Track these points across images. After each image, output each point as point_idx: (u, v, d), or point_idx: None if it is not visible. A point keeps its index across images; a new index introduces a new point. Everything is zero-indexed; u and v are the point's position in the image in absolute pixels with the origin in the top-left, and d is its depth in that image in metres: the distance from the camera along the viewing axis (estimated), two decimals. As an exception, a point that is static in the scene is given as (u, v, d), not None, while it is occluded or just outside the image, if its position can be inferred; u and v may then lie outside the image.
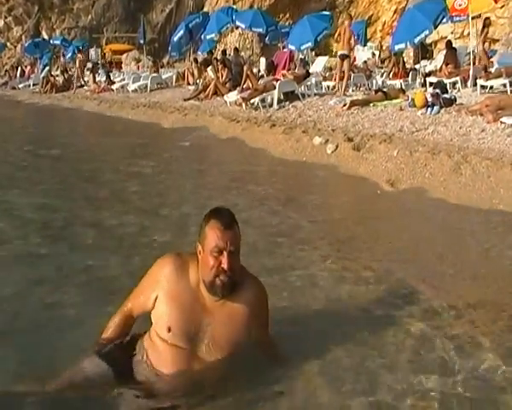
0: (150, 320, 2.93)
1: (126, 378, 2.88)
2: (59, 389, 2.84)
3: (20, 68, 34.71)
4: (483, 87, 12.03)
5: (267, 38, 23.68)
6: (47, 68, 31.01)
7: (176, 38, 24.61)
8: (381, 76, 16.85)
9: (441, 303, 3.95)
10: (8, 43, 42.45)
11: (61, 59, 33.73)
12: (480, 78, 12.29)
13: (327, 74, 17.24)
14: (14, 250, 5.34)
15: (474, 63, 13.36)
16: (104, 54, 35.35)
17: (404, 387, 2.98)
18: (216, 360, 2.85)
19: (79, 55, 28.30)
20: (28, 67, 34.45)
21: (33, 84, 29.82)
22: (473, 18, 14.26)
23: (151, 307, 2.90)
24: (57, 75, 29.57)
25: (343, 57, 14.28)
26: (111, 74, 26.19)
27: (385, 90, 13.20)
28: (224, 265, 2.73)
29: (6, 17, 42.52)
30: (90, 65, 29.14)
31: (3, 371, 3.18)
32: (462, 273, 4.66)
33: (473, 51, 13.95)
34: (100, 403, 2.83)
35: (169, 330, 2.80)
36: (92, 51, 34.74)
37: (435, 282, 4.45)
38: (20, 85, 31.27)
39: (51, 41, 36.52)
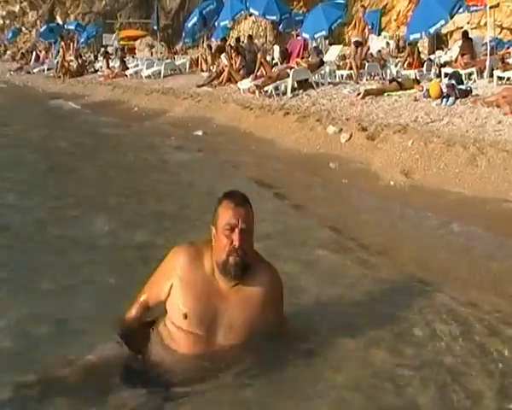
0: (164, 309, 2.96)
1: (142, 364, 2.90)
2: (75, 373, 2.86)
3: (34, 53, 34.81)
4: (500, 78, 11.91)
5: (281, 26, 23.54)
6: (60, 53, 31.05)
7: (190, 25, 24.55)
8: (396, 66, 16.71)
9: (459, 301, 3.92)
10: (24, 28, 42.56)
11: (75, 44, 33.78)
12: (497, 68, 12.16)
13: (341, 63, 17.10)
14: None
15: (490, 54, 13.20)
16: (118, 39, 35.33)
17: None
18: (232, 344, 2.87)
19: (62, 44, 28.41)
20: (43, 52, 34.53)
21: (48, 69, 29.88)
22: (490, 7, 14.07)
23: (166, 296, 2.91)
24: (71, 60, 29.60)
25: (357, 44, 14.26)
26: (125, 60, 26.17)
27: (399, 80, 13.09)
28: (236, 242, 2.75)
29: (21, 2, 42.63)
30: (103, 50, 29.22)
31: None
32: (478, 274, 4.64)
33: (490, 41, 13.78)
34: (115, 388, 2.83)
35: (185, 316, 2.82)
36: (108, 37, 34.73)
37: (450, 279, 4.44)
38: (35, 70, 31.34)
39: (65, 26, 36.56)
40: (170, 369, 2.86)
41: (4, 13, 43.23)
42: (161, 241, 4.98)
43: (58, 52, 31.83)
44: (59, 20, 40.19)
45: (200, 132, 11.66)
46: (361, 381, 2.98)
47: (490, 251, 5.09)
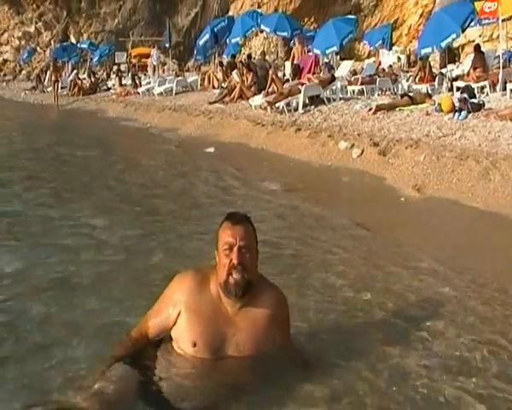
0: (169, 335, 2.92)
1: (151, 387, 2.85)
2: (86, 399, 2.75)
3: (49, 72, 35.22)
4: (513, 91, 11.83)
5: (292, 42, 23.66)
6: (74, 72, 31.43)
7: (201, 42, 24.71)
8: (407, 80, 16.69)
9: (466, 316, 3.88)
10: (38, 48, 43.16)
11: (88, 62, 34.21)
12: (510, 81, 12.09)
13: (352, 79, 17.12)
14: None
15: (503, 67, 13.13)
16: (130, 57, 35.69)
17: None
18: (240, 365, 2.85)
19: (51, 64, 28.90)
20: (51, 70, 34.90)
21: (61, 88, 30.21)
22: (503, 20, 14.02)
23: (172, 324, 2.88)
24: (84, 78, 29.93)
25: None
26: (136, 77, 26.40)
27: (411, 94, 13.06)
28: (234, 260, 2.73)
29: (36, 23, 43.31)
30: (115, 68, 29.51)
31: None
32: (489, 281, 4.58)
33: (502, 54, 13.71)
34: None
35: (194, 345, 2.81)
36: (121, 55, 35.08)
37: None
38: (49, 89, 31.68)
39: (79, 45, 37.02)
40: (178, 391, 2.82)
41: (20, 34, 43.88)
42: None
43: (72, 71, 32.22)
44: (72, 40, 40.74)
45: (212, 149, 11.67)
46: (367, 402, 2.94)
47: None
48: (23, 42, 43.82)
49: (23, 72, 43.63)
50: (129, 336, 3.03)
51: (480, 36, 18.82)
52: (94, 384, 2.77)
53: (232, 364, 2.85)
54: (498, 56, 14.47)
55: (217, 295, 2.85)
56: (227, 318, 2.84)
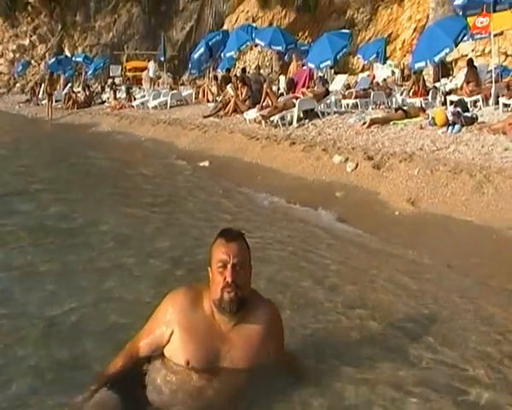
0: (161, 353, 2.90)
1: (142, 404, 2.83)
2: None
3: (43, 85, 35.23)
4: (506, 105, 11.91)
5: (286, 56, 23.78)
6: (69, 85, 31.46)
7: (196, 56, 24.81)
8: (401, 94, 16.79)
9: (456, 335, 3.88)
10: (33, 61, 43.23)
11: (83, 76, 34.26)
12: (503, 96, 12.18)
13: (346, 92, 17.20)
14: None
15: (496, 81, 13.24)
16: (125, 70, 35.78)
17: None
18: (235, 382, 2.84)
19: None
20: (47, 83, 34.90)
21: (56, 101, 30.22)
22: (495, 35, 14.16)
23: (165, 343, 2.86)
24: (79, 92, 29.96)
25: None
26: (131, 91, 26.44)
27: (405, 108, 13.13)
28: (228, 278, 2.72)
29: (31, 36, 43.41)
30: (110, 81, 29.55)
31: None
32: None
33: (495, 69, 13.83)
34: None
35: (187, 363, 2.79)
36: (115, 68, 35.14)
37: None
38: (43, 102, 31.69)
39: (73, 58, 37.09)
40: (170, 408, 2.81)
41: (15, 47, 43.97)
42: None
43: (66, 84, 32.25)
44: (67, 53, 40.82)
45: (206, 163, 11.67)
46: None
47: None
48: (17, 55, 43.90)
49: (17, 85, 43.66)
50: (118, 357, 2.99)
51: (472, 50, 18.98)
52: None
53: (227, 380, 2.83)
54: (491, 71, 14.59)
55: (210, 312, 2.84)
56: (221, 334, 2.83)
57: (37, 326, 4.02)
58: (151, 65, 29.18)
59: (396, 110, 13.07)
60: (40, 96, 33.37)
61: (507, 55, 19.03)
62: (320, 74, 18.35)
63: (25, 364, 3.49)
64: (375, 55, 21.64)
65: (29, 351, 3.66)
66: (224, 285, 2.74)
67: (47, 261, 5.54)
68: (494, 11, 13.05)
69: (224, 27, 32.82)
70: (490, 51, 16.14)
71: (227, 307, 2.77)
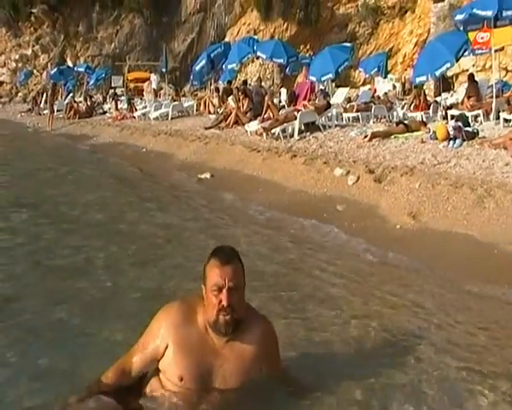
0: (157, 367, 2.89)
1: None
2: None
3: (45, 95, 35.35)
4: (506, 120, 11.94)
5: (288, 69, 23.86)
6: (71, 95, 31.57)
7: (198, 68, 24.87)
8: (402, 108, 16.84)
9: (451, 350, 3.88)
10: (35, 71, 43.43)
11: (85, 86, 34.39)
12: (504, 111, 12.21)
13: (347, 106, 17.25)
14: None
15: (496, 96, 13.29)
16: (127, 81, 35.90)
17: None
18: (227, 397, 2.83)
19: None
20: (50, 93, 35.03)
21: (57, 110, 30.32)
22: (495, 51, 14.23)
23: (159, 357, 2.85)
24: (80, 102, 30.06)
25: None
26: (132, 102, 26.51)
27: (406, 122, 13.16)
28: (224, 302, 2.72)
29: (34, 46, 43.65)
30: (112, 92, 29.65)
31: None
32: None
33: (495, 84, 13.89)
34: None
35: (181, 379, 2.79)
36: (117, 79, 35.27)
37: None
38: (45, 111, 31.80)
39: (75, 68, 37.22)
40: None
41: (17, 56, 44.21)
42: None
43: (68, 94, 32.35)
44: (69, 63, 40.99)
45: (208, 175, 11.69)
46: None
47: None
48: (20, 64, 44.13)
49: (19, 94, 43.87)
50: (110, 370, 2.94)
51: (473, 65, 19.07)
52: None
53: (219, 395, 2.83)
54: (491, 86, 14.64)
55: (203, 327, 2.84)
56: (214, 350, 2.83)
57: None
58: (153, 77, 29.27)
59: (397, 124, 13.10)
60: (42, 105, 33.50)
61: (507, 71, 19.11)
62: (321, 87, 18.40)
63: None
64: (376, 69, 21.72)
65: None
66: (219, 308, 2.73)
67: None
68: (495, 27, 13.12)
69: (226, 39, 33.01)
70: (490, 66, 16.21)
71: (222, 330, 2.77)
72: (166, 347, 2.82)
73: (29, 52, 43.78)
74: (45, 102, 33.91)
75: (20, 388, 3.39)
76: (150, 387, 2.88)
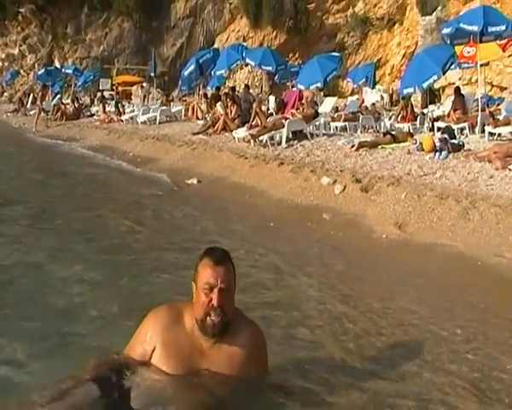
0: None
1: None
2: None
3: (32, 95, 35.13)
4: (491, 134, 12.11)
5: (276, 77, 23.97)
6: (58, 96, 31.42)
7: (186, 73, 24.86)
8: (390, 119, 17.00)
9: (444, 358, 3.93)
10: (22, 71, 43.14)
11: (72, 88, 34.23)
12: (488, 125, 12.38)
13: (335, 115, 17.37)
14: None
15: (482, 110, 13.47)
16: (116, 84, 35.81)
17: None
18: (213, 398, 2.85)
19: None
20: (40, 94, 34.85)
21: (45, 112, 30.14)
22: (481, 65, 14.43)
23: (147, 360, 2.87)
24: (68, 103, 29.92)
25: None
26: (120, 105, 26.43)
27: (393, 132, 13.28)
28: (214, 302, 2.74)
29: (21, 45, 43.37)
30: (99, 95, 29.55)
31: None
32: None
33: (481, 98, 14.08)
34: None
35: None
36: (105, 81, 35.16)
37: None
38: (32, 112, 31.59)
39: (63, 70, 37.01)
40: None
41: (3, 55, 43.90)
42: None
43: (56, 95, 32.18)
44: (57, 64, 40.78)
45: (194, 181, 11.68)
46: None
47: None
48: (6, 64, 43.81)
49: (5, 94, 43.51)
50: (98, 365, 3.00)
51: (459, 79, 19.30)
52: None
53: (206, 396, 2.84)
54: (477, 100, 14.83)
55: (191, 329, 2.86)
56: (201, 352, 2.85)
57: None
58: (144, 83, 29.41)
59: (384, 134, 13.23)
60: (28, 106, 33.27)
61: (492, 85, 19.39)
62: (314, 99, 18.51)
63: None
64: (364, 80, 21.92)
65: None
66: (209, 308, 2.76)
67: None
68: (480, 42, 13.31)
69: (215, 45, 33.09)
70: (476, 80, 16.42)
71: (210, 331, 2.80)
72: (154, 349, 2.85)
73: (16, 51, 43.46)
74: (32, 102, 33.73)
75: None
76: (137, 385, 2.87)
